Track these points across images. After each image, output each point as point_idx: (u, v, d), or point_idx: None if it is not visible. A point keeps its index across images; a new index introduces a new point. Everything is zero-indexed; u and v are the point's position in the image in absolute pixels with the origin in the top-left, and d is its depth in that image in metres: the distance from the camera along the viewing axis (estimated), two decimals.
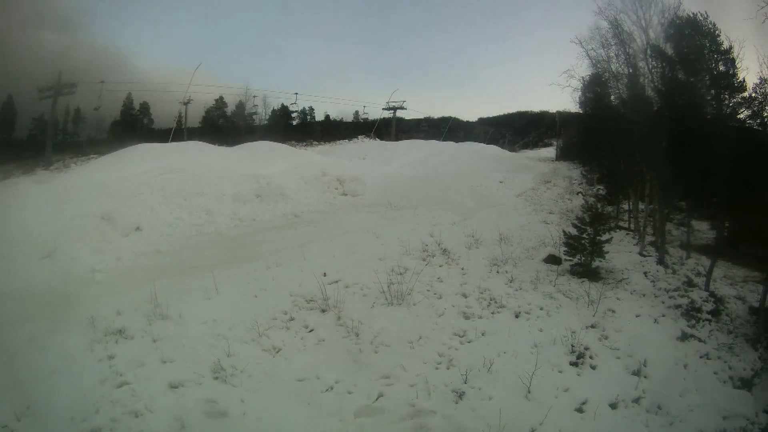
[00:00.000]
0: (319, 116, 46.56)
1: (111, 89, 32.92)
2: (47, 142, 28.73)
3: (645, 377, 7.25)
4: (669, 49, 13.22)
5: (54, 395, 5.65)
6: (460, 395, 6.25)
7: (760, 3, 9.80)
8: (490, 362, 6.85)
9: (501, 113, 60.05)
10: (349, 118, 48.02)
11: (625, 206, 18.28)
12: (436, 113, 57.54)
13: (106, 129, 35.73)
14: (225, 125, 38.34)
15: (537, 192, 23.70)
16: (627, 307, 9.59)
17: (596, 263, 11.12)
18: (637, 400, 6.70)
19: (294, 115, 43.62)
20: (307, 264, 10.31)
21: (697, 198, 13.27)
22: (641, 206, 16.02)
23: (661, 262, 12.32)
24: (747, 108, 12.65)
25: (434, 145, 37.24)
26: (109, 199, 13.59)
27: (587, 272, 10.84)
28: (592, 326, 8.54)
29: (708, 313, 9.78)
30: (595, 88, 17.71)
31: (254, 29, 77.10)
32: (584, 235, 11.10)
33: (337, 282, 9.31)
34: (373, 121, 45.78)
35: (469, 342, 7.63)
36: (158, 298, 7.91)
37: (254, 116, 40.55)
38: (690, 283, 11.01)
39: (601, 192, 20.05)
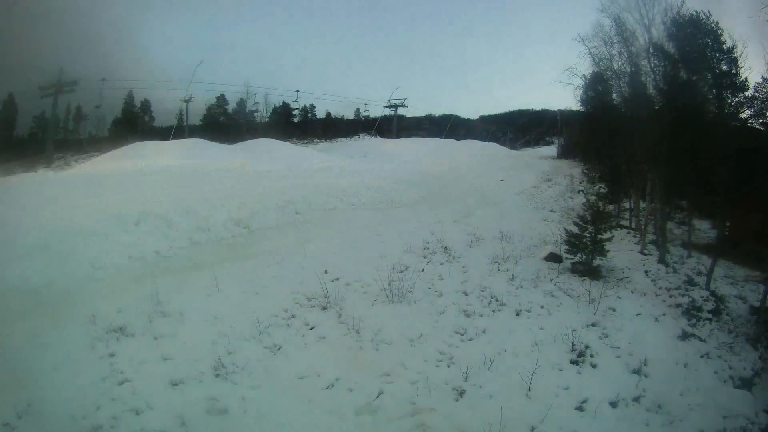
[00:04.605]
0: (320, 114, 46.59)
1: (112, 87, 32.97)
2: (48, 140, 28.78)
3: (645, 376, 7.26)
4: (671, 48, 13.20)
5: (55, 393, 5.65)
6: (461, 393, 6.25)
7: (763, 2, 9.78)
8: (491, 360, 6.85)
9: (502, 111, 59.81)
10: (351, 116, 48.04)
11: (627, 205, 18.29)
12: (438, 111, 57.47)
13: (107, 127, 35.80)
14: (226, 123, 38.38)
15: (538, 190, 23.78)
16: (628, 305, 9.59)
17: (597, 262, 11.12)
18: (637, 399, 6.70)
19: (295, 112, 43.63)
20: (308, 261, 10.30)
21: (698, 197, 13.25)
22: (642, 205, 16.01)
23: (661, 260, 12.33)
24: (749, 108, 12.64)
25: (435, 143, 37.28)
26: (109, 197, 13.61)
27: (588, 270, 10.84)
28: (593, 325, 8.54)
29: (709, 312, 9.79)
30: (596, 87, 17.69)
31: (255, 27, 76.81)
32: (585, 234, 11.11)
33: (338, 279, 9.31)
34: (375, 119, 45.82)
35: (469, 340, 7.62)
36: (159, 296, 7.91)
37: (255, 114, 40.56)
38: (691, 282, 11.01)
39: (602, 190, 20.02)
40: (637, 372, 7.35)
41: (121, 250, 10.23)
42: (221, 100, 39.16)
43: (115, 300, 7.95)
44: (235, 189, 15.59)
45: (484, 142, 41.13)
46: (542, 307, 8.96)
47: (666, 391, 6.97)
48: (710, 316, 9.69)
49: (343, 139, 42.02)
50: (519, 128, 54.17)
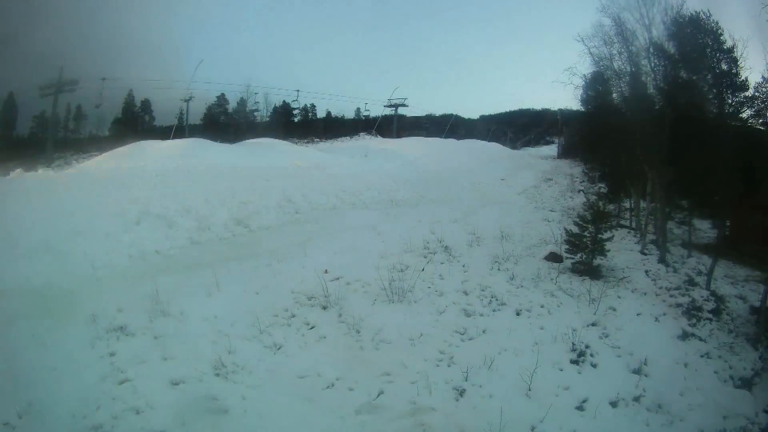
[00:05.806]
0: (321, 113, 46.69)
1: (112, 87, 32.95)
2: (48, 139, 28.79)
3: (645, 376, 7.27)
4: (671, 48, 13.18)
5: (55, 392, 5.65)
6: (461, 393, 6.25)
7: (763, 2, 9.78)
8: (491, 360, 6.85)
9: (503, 111, 60.04)
10: (351, 116, 48.10)
11: (627, 204, 18.29)
12: (438, 111, 57.61)
13: (107, 126, 35.85)
14: (226, 122, 38.42)
15: (538, 189, 23.81)
16: (628, 305, 9.59)
17: (597, 261, 11.12)
18: (637, 399, 6.71)
19: (295, 112, 43.67)
20: (308, 261, 10.30)
21: (698, 197, 13.25)
22: (643, 204, 16.02)
23: (662, 260, 12.32)
24: (749, 107, 12.65)
25: (436, 142, 37.26)
26: (110, 196, 13.59)
27: (588, 270, 10.84)
28: (593, 324, 8.54)
29: (709, 312, 9.79)
30: (597, 86, 17.67)
31: (256, 26, 77.02)
32: (586, 233, 11.11)
33: (338, 279, 9.31)
34: (375, 119, 45.88)
35: (470, 339, 7.62)
36: (159, 295, 7.91)
37: (256, 113, 40.60)
38: (691, 282, 11.01)
39: (602, 190, 20.05)
40: (637, 372, 7.36)
41: (121, 249, 10.23)
42: (221, 99, 39.33)
43: (116, 299, 7.94)
44: (235, 188, 15.59)
45: (485, 142, 41.16)
46: (542, 306, 8.96)
47: (666, 391, 6.97)
48: (710, 316, 9.69)
49: (343, 138, 42.04)
50: (519, 128, 54.22)
